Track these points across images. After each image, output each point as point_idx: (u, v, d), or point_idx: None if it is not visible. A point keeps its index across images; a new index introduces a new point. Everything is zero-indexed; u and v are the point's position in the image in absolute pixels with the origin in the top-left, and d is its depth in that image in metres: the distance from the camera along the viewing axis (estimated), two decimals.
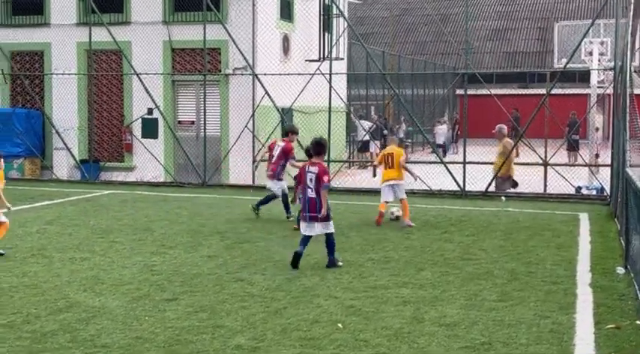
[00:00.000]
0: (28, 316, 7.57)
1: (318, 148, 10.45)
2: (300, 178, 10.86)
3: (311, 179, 10.10)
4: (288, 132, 14.88)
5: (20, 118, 22.66)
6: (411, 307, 8.09)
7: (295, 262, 9.98)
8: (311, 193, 10.08)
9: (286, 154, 14.41)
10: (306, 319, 7.61)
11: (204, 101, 21.57)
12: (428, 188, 18.78)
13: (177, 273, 9.63)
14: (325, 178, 10.11)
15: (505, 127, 18.68)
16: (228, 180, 21.46)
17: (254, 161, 16.91)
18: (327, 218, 10.07)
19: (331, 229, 10.15)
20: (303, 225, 10.20)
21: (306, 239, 10.12)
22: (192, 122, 22.57)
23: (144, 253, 10.96)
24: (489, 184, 18.80)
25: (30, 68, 23.57)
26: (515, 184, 18.47)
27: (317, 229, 10.07)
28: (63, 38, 22.79)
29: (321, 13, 23.75)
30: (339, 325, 7.40)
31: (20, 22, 23.45)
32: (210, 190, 19.72)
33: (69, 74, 22.73)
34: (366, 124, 28.95)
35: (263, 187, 15.67)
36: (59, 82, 22.95)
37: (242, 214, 15.07)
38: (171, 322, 7.47)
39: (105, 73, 22.89)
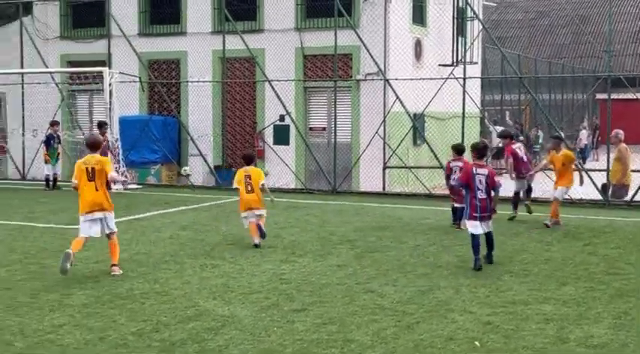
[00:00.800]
0: (158, 324, 7.52)
1: (484, 150, 11.19)
2: (466, 179, 10.66)
3: (480, 181, 10.44)
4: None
5: (157, 125, 23.23)
6: (554, 325, 7.54)
7: (480, 265, 10.26)
8: (481, 194, 10.43)
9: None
10: (440, 335, 7.20)
11: (335, 107, 21.43)
12: (568, 197, 17.89)
13: (306, 282, 9.42)
14: (497, 180, 10.65)
15: (621, 132, 17.70)
16: (358, 187, 21.23)
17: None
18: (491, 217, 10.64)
19: (492, 227, 10.69)
20: (473, 225, 10.41)
21: (478, 238, 10.42)
22: (324, 128, 22.49)
23: (273, 260, 10.83)
24: (635, 193, 17.76)
25: (167, 76, 24.16)
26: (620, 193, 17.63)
27: (485, 228, 10.49)
28: (198, 46, 23.22)
29: (455, 16, 23.17)
30: (476, 343, 6.96)
31: (158, 31, 24.07)
32: (340, 197, 19.53)
33: (203, 82, 23.11)
34: (501, 129, 28.02)
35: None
36: (194, 90, 23.40)
37: (372, 221, 14.76)
38: (299, 334, 7.24)
39: (238, 81, 23.16)
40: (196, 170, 23.24)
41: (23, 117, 24.62)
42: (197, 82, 23.15)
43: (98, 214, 9.86)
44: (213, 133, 23.28)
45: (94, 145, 10.19)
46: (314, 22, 22.09)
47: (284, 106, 21.92)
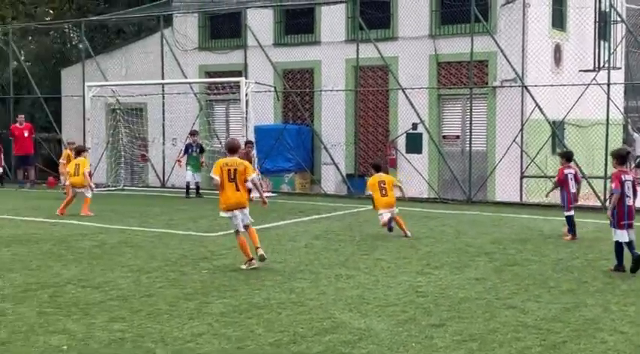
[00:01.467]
0: (295, 335, 7.46)
1: (626, 157, 11.18)
2: (619, 186, 10.53)
3: (629, 187, 10.52)
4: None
5: (291, 133, 23.44)
6: None
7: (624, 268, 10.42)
8: (629, 201, 10.48)
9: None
10: None
11: (471, 115, 20.97)
12: None
13: (444, 296, 9.15)
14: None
15: None
16: (494, 197, 20.68)
17: None
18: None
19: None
20: (621, 233, 10.41)
21: (622, 246, 10.48)
22: (458, 137, 22.08)
23: (409, 272, 10.61)
24: None
25: (301, 85, 24.36)
26: None
27: (630, 236, 10.44)
28: (332, 55, 23.31)
29: (597, 20, 22.24)
30: None
31: (292, 41, 24.33)
32: (475, 207, 19.07)
33: (337, 90, 23.16)
34: None
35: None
36: (328, 99, 23.49)
37: (510, 233, 14.30)
38: (439, 350, 7.00)
39: (371, 89, 23.08)
40: (329, 179, 23.30)
41: (163, 126, 25.43)
42: (330, 91, 23.23)
43: (237, 213, 10.83)
44: (345, 142, 23.27)
45: (232, 149, 11.17)
46: (449, 29, 21.74)
47: (417, 114, 21.66)
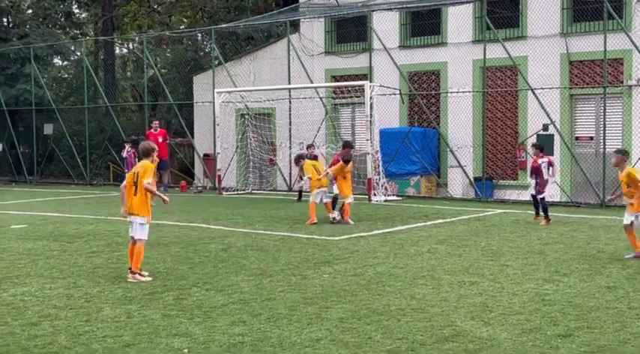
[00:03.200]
0: (414, 343, 7.31)
1: None
2: None
3: None
4: None
5: (417, 136, 23.23)
6: None
7: None
8: None
9: None
10: None
11: (604, 115, 20.15)
12: None
13: (572, 304, 8.77)
14: None
15: None
16: None
17: None
18: None
19: None
20: None
21: None
22: (591, 138, 21.26)
23: (536, 279, 10.24)
24: None
25: (426, 88, 24.11)
26: None
27: None
28: (459, 56, 22.95)
29: None
30: None
31: (418, 43, 24.12)
32: (610, 212, 18.28)
33: (463, 92, 22.78)
34: None
35: None
36: (454, 101, 23.14)
37: None
38: None
39: (499, 90, 22.56)
40: (456, 182, 22.94)
41: (290, 130, 25.74)
42: (457, 92, 22.87)
43: (131, 218, 10.51)
44: (473, 144, 22.85)
45: (145, 152, 10.66)
46: (581, 27, 20.99)
47: (548, 115, 21.01)
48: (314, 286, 9.82)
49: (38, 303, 8.90)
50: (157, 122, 27.06)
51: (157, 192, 10.75)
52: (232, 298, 9.15)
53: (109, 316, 8.28)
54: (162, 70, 34.87)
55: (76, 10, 40.01)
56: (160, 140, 26.37)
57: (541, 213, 16.23)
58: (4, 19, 36.91)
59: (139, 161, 10.86)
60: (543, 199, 16.26)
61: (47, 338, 7.43)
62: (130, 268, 10.31)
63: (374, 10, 24.41)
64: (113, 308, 8.61)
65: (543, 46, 21.41)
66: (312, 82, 25.33)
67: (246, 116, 26.53)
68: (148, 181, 10.31)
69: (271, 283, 10.04)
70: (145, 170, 10.37)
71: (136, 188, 10.37)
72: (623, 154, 12.22)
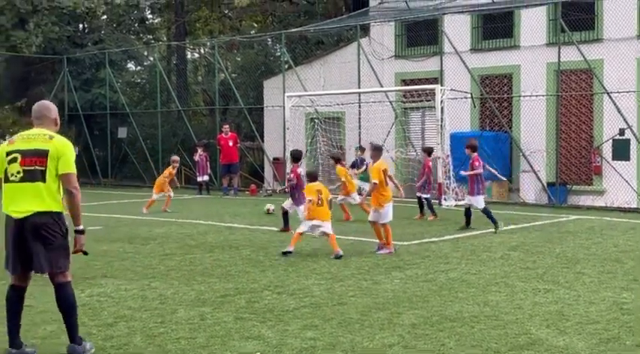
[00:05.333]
0: (488, 350, 7.19)
1: None
2: None
3: None
4: None
5: (488, 140, 22.91)
6: None
7: None
8: None
9: None
10: None
11: None
12: None
13: None
14: None
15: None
16: None
17: None
18: None
19: None
20: None
21: None
22: None
23: (613, 287, 9.98)
24: None
25: (498, 91, 23.80)
26: None
27: None
28: (532, 59, 22.59)
29: None
30: None
31: (490, 46, 23.83)
32: None
33: (537, 96, 22.40)
34: None
35: None
36: (527, 104, 22.77)
37: None
38: None
39: (574, 93, 22.12)
40: (528, 187, 22.57)
41: (360, 134, 25.69)
42: (530, 96, 22.50)
43: None
44: (546, 149, 22.45)
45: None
46: None
47: (624, 119, 20.51)
48: (385, 291, 9.76)
49: (114, 304, 9.06)
50: (228, 126, 27.34)
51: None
52: (304, 302, 9.15)
53: (183, 317, 8.37)
54: (233, 75, 35.21)
55: (150, 16, 40.73)
56: (231, 144, 26.63)
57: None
58: (80, 25, 37.82)
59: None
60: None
61: (123, 339, 7.55)
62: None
63: (445, 14, 24.20)
64: (187, 310, 8.71)
65: (619, 49, 20.91)
66: (381, 86, 25.25)
67: (316, 120, 26.59)
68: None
69: (342, 287, 10.02)
70: None
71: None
72: None
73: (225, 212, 20.05)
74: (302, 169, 16.25)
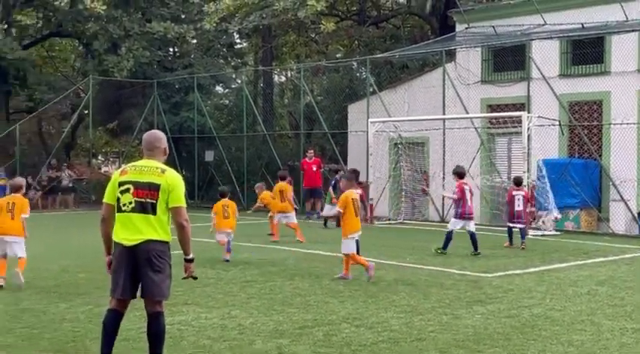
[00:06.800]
0: None
1: None
2: None
3: None
4: None
5: (577, 168, 22.40)
6: None
7: None
8: None
9: None
10: None
11: None
12: None
13: None
14: None
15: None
16: None
17: None
18: None
19: None
20: None
21: None
22: None
23: None
24: None
25: (587, 118, 23.24)
26: None
27: None
28: (623, 86, 21.99)
29: None
30: None
31: (579, 72, 23.32)
32: None
33: (627, 124, 21.77)
34: None
35: None
36: (617, 132, 22.14)
37: None
38: None
39: None
40: (618, 217, 21.89)
41: (444, 160, 25.45)
42: (621, 124, 21.87)
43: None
44: (637, 178, 21.76)
45: (14, 188, 12.62)
46: None
47: None
48: (466, 327, 9.57)
49: (194, 333, 9.14)
50: (312, 151, 27.48)
51: None
52: (382, 336, 9.05)
53: (261, 350, 8.38)
54: (318, 98, 35.45)
55: (238, 41, 41.44)
56: (315, 169, 26.75)
57: None
58: (170, 50, 38.75)
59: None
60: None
61: None
62: None
63: (533, 39, 23.80)
64: (264, 342, 8.71)
65: None
66: (467, 112, 24.96)
67: (400, 145, 26.47)
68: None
69: (422, 321, 9.87)
70: None
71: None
72: None
73: (306, 237, 20.10)
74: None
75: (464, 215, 16.63)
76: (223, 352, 8.27)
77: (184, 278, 7.54)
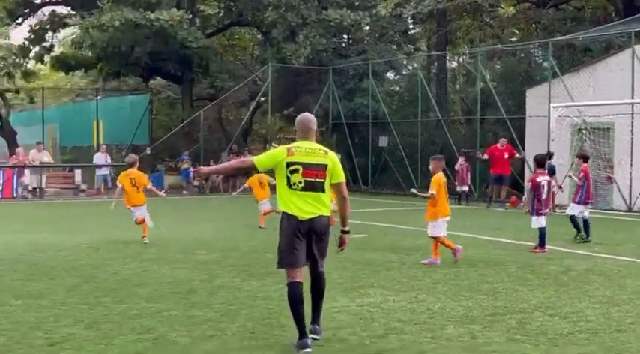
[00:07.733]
0: None
1: None
2: None
3: None
4: None
5: None
6: None
7: None
8: None
9: None
10: None
11: None
12: None
13: None
14: None
15: None
16: None
17: None
18: None
19: None
20: None
21: None
22: None
23: None
24: None
25: None
26: None
27: None
28: None
29: None
30: None
31: None
32: None
33: None
34: None
35: None
36: None
37: None
38: None
39: None
40: None
41: (632, 146, 24.21)
42: None
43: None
44: None
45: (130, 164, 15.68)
46: None
47: None
48: None
49: (384, 315, 9.17)
50: (505, 139, 26.79)
51: None
52: (578, 326, 8.72)
53: (453, 334, 8.29)
54: (493, 83, 34.69)
55: (411, 26, 41.22)
56: (506, 156, 26.19)
57: None
58: (345, 37, 39.12)
59: None
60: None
61: (396, 353, 7.61)
62: None
63: None
64: (456, 327, 8.61)
65: None
66: None
67: (584, 131, 25.42)
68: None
69: (619, 312, 9.42)
70: None
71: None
72: None
73: (485, 225, 19.76)
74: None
75: (587, 201, 16.09)
76: (416, 335, 8.24)
77: (340, 249, 8.05)
